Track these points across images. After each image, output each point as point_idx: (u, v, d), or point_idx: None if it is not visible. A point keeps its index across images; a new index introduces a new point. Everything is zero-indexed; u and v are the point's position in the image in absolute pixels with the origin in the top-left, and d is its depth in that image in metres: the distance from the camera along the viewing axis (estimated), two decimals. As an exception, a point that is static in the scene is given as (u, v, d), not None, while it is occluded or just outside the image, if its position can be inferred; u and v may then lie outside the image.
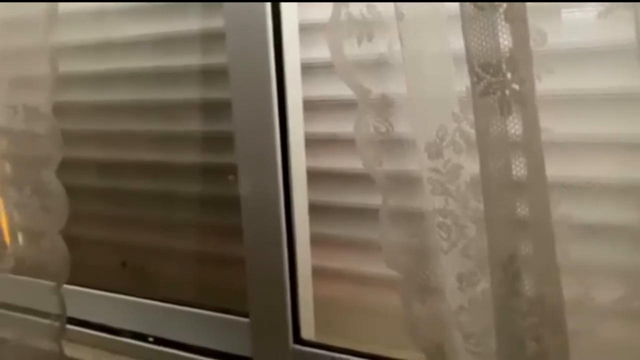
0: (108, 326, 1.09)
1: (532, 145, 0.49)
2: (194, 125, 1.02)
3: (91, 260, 1.14)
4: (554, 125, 0.52)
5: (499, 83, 0.47)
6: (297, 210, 0.90)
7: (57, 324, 0.96)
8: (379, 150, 0.71)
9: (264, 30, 0.82)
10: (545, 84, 0.52)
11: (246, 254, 0.92)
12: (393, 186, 0.71)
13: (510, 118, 0.47)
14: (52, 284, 0.95)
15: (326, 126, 0.88)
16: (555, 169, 0.52)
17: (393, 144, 0.70)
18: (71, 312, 0.99)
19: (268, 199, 0.88)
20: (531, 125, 0.48)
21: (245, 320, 0.96)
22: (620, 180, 0.58)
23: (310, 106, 0.88)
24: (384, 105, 0.70)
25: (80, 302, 1.08)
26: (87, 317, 1.10)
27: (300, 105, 0.87)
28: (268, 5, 0.82)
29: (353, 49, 0.69)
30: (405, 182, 0.70)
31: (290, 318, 0.92)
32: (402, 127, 0.68)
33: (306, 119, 0.88)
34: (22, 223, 0.98)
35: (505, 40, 0.47)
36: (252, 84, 0.85)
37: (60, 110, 0.92)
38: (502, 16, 0.46)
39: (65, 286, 0.96)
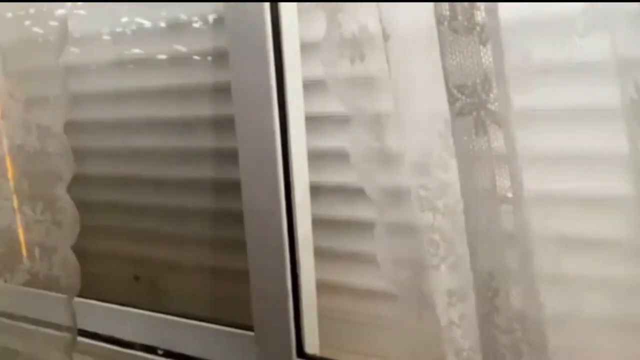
0: (118, 339, 1.11)
1: (509, 162, 0.49)
2: (204, 141, 1.04)
3: (105, 273, 1.17)
4: (534, 141, 0.53)
5: (474, 104, 0.48)
6: (300, 223, 0.91)
7: (68, 336, 0.99)
8: (374, 165, 0.73)
9: (266, 49, 0.84)
10: (526, 100, 0.53)
11: (250, 268, 0.94)
12: (388, 202, 0.73)
13: (486, 138, 0.48)
14: (63, 296, 0.98)
15: (329, 141, 0.90)
16: (534, 184, 0.52)
17: (387, 160, 0.71)
18: (82, 325, 1.02)
19: (270, 213, 0.89)
20: (508, 143, 0.49)
21: (251, 333, 0.98)
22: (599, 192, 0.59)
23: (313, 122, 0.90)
24: (378, 122, 0.71)
25: (91, 315, 1.11)
26: (97, 330, 1.12)
27: (302, 119, 0.89)
28: (269, 24, 0.84)
29: (346, 68, 0.71)
30: (399, 197, 0.71)
31: (294, 332, 0.93)
32: (395, 143, 0.70)
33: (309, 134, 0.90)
34: (35, 238, 1.01)
35: (480, 62, 0.48)
36: (254, 102, 0.87)
37: (74, 127, 0.96)
38: (477, 38, 0.47)
39: (77, 299, 0.99)
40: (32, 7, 0.94)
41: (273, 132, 0.87)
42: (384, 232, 0.73)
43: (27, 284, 1.02)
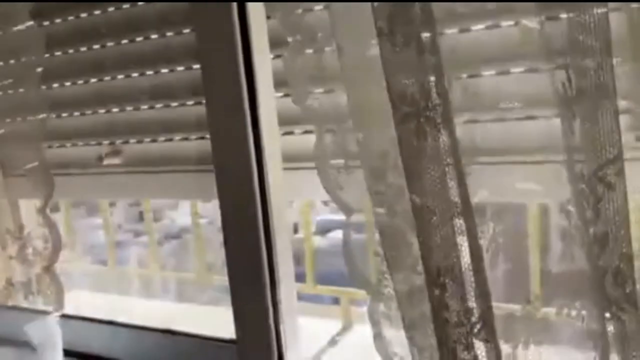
0: (99, 355, 1.12)
1: (453, 165, 0.53)
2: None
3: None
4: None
5: (413, 113, 0.51)
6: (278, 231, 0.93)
7: None
8: (339, 175, 0.76)
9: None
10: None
11: (230, 281, 0.96)
12: (354, 210, 0.76)
13: (426, 143, 0.51)
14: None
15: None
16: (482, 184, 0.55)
17: (351, 169, 0.75)
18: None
19: (248, 223, 0.92)
20: (450, 147, 0.53)
21: (232, 345, 1.00)
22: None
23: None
24: (341, 134, 0.75)
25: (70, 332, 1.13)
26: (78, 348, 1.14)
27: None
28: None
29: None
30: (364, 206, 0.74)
31: (275, 343, 0.95)
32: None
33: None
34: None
35: (417, 74, 0.51)
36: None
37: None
38: (414, 51, 0.51)
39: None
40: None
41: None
42: (351, 238, 0.77)
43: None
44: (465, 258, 0.55)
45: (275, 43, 0.86)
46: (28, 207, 1.07)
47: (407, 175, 0.55)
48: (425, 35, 0.51)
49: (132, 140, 1.04)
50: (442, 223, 0.56)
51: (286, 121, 0.90)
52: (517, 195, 0.62)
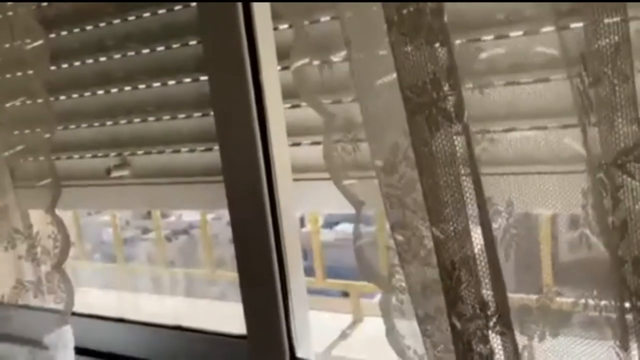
0: (110, 353, 1.13)
1: (465, 159, 0.52)
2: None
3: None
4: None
5: (425, 103, 0.50)
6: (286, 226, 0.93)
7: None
8: (348, 169, 0.75)
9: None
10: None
11: (240, 277, 0.96)
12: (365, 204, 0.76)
13: (438, 134, 0.50)
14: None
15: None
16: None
17: (360, 162, 0.74)
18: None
19: (258, 222, 0.92)
20: (462, 140, 0.52)
21: (243, 341, 1.00)
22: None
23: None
24: (349, 127, 0.74)
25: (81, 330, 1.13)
26: (89, 345, 1.14)
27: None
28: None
29: (316, 76, 0.74)
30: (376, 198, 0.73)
31: (286, 338, 0.95)
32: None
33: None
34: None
35: (427, 62, 0.50)
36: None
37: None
38: (424, 40, 0.50)
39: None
40: None
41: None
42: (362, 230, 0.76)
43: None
44: (480, 250, 0.54)
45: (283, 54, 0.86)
46: (36, 207, 1.07)
47: (419, 166, 0.54)
48: (436, 24, 0.50)
49: (139, 152, 1.06)
50: (456, 214, 0.55)
51: (295, 132, 0.91)
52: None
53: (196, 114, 0.98)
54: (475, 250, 0.54)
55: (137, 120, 1.04)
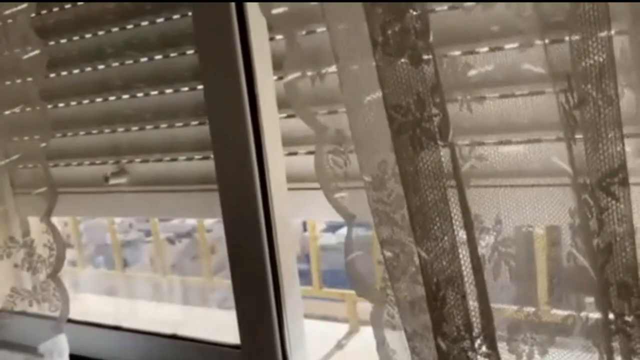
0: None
1: (450, 178, 0.51)
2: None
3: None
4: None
5: (409, 123, 0.50)
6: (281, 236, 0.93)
7: None
8: (339, 182, 0.75)
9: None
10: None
11: (234, 287, 0.96)
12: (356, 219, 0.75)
13: (423, 154, 0.50)
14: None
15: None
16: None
17: (351, 176, 0.74)
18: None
19: (252, 232, 0.92)
20: (448, 159, 0.51)
21: (237, 351, 1.00)
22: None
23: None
24: (340, 139, 0.74)
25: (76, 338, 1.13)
26: (84, 353, 1.14)
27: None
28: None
29: (308, 87, 0.74)
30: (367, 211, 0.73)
31: (279, 348, 0.95)
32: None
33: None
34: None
35: (412, 82, 0.50)
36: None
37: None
38: (408, 60, 0.49)
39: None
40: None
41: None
42: (354, 244, 0.76)
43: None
44: (466, 270, 0.54)
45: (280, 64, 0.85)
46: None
47: (405, 185, 0.54)
48: (421, 44, 0.50)
49: (137, 160, 1.06)
50: (442, 234, 0.55)
51: (290, 142, 0.91)
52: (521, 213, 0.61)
53: (193, 122, 0.98)
54: (462, 270, 0.53)
55: (134, 128, 1.04)
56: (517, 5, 0.53)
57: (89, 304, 1.46)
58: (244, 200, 0.90)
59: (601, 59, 0.46)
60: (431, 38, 0.50)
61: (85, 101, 1.07)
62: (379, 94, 0.62)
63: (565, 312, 0.58)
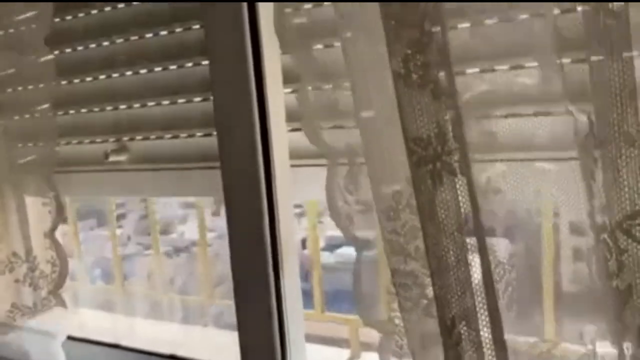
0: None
1: (468, 213, 0.51)
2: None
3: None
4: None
5: (429, 156, 0.49)
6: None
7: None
8: (350, 211, 0.74)
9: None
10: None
11: (234, 291, 0.94)
12: (365, 245, 0.75)
13: (442, 188, 0.50)
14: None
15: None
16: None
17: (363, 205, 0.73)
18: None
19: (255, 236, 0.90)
20: (467, 191, 0.51)
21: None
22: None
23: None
24: (353, 170, 0.73)
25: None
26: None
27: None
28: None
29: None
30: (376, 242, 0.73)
31: (279, 354, 0.93)
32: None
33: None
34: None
35: (433, 116, 0.50)
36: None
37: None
38: (430, 93, 0.49)
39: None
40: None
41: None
42: (362, 273, 0.75)
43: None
44: (481, 304, 0.53)
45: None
46: (36, 230, 1.06)
47: (422, 219, 0.53)
48: (442, 76, 0.50)
49: (138, 137, 1.03)
50: (457, 266, 0.54)
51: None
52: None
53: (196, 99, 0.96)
54: (477, 305, 0.53)
55: (136, 105, 1.01)
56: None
57: (87, 319, 1.44)
58: (245, 177, 0.88)
59: (623, 95, 0.46)
60: (453, 68, 0.50)
61: (89, 78, 1.05)
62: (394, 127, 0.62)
63: (581, 350, 0.57)
